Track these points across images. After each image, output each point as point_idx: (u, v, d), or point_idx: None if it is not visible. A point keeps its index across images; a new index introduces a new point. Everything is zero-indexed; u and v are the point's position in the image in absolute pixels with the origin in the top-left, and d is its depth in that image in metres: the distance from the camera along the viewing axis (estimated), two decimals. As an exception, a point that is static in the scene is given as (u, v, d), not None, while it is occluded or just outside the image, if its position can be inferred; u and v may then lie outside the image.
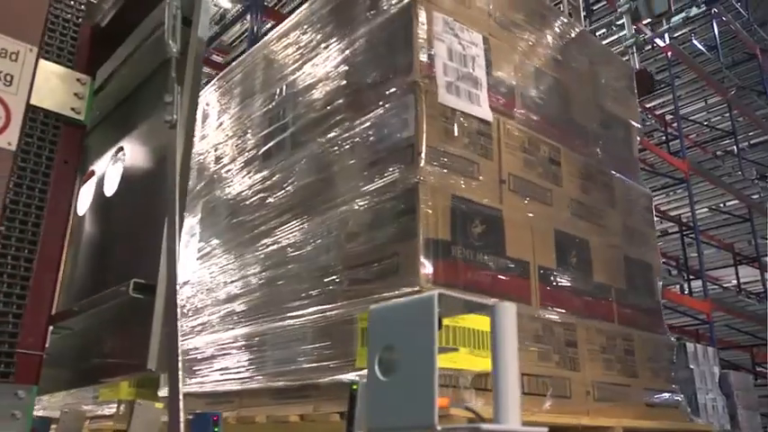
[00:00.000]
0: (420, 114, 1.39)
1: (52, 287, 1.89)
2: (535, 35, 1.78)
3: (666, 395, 1.69)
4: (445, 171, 1.40)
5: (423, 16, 1.48)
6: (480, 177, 1.46)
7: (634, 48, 5.95)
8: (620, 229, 1.80)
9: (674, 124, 9.72)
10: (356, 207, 1.45)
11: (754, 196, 10.54)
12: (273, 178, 1.75)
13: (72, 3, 2.02)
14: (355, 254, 1.42)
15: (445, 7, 1.53)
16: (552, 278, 1.53)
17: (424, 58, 1.45)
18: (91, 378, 2.04)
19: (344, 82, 1.63)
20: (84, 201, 2.04)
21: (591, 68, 1.98)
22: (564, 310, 1.53)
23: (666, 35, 9.39)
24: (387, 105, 1.46)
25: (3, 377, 1.74)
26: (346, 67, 1.62)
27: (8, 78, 1.81)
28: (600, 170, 1.82)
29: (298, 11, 1.88)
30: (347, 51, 1.63)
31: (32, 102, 1.76)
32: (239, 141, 1.95)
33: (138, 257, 1.70)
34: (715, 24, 10.12)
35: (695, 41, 10.17)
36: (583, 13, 4.41)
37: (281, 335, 1.54)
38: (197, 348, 1.87)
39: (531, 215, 1.55)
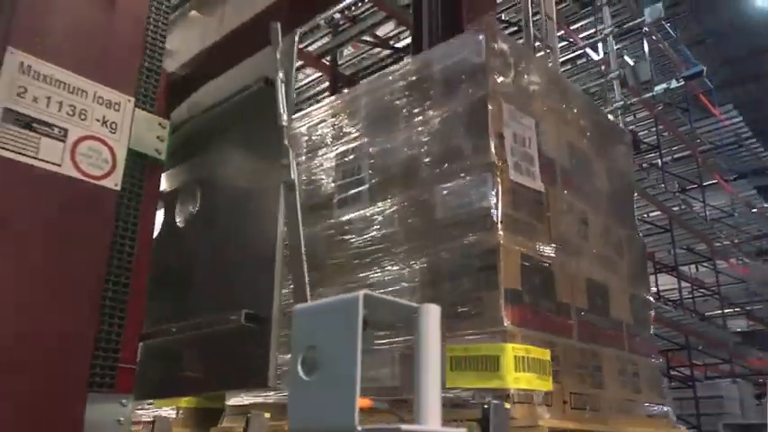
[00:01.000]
0: (497, 190, 1.77)
1: (142, 309, 2.22)
2: (569, 115, 2.20)
3: (661, 408, 2.15)
4: (515, 235, 1.79)
5: (496, 107, 1.87)
6: (538, 238, 1.86)
7: (619, 111, 6.72)
8: (627, 274, 2.24)
9: None
10: (440, 259, 1.82)
11: (675, 208, 10.87)
12: (351, 225, 2.09)
13: (156, 54, 2.33)
14: (440, 297, 1.79)
15: (512, 100, 1.92)
16: (585, 316, 1.95)
17: (496, 141, 1.83)
18: (188, 389, 2.34)
19: (424, 149, 1.99)
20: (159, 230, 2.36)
21: (602, 138, 2.41)
22: (594, 343, 1.95)
23: (601, 47, 10.06)
24: (467, 178, 1.83)
25: (109, 388, 2.03)
26: (425, 138, 1.98)
27: (113, 127, 2.14)
28: (612, 226, 2.26)
29: (368, 79, 2.23)
30: (426, 125, 1.99)
31: (130, 146, 2.09)
32: (309, 187, 2.28)
33: (244, 290, 2.03)
34: (645, 43, 10.84)
35: (627, 57, 10.82)
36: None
37: (375, 357, 1.89)
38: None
39: (570, 267, 1.96)
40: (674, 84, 8.32)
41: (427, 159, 1.96)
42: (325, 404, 0.94)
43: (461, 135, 1.90)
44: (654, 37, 11.28)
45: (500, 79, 1.91)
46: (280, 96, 1.98)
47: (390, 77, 2.18)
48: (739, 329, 14.33)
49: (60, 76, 2.12)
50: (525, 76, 2.01)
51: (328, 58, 8.10)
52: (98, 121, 2.19)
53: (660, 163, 11.34)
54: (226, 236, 2.16)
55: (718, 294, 12.49)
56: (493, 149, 1.82)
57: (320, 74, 8.87)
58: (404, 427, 0.88)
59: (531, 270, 1.79)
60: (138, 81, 2.32)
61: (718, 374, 12.85)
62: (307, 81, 9.50)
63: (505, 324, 1.66)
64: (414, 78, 2.09)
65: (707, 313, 14.14)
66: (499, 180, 1.79)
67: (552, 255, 1.89)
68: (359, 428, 0.88)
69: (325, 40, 8.33)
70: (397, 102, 2.11)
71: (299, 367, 0.98)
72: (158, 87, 2.43)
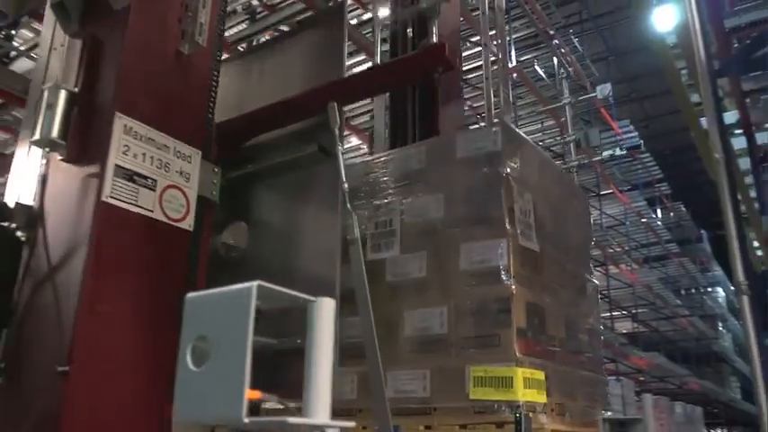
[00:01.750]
0: (510, 253, 2.39)
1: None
2: (549, 185, 2.85)
3: (604, 413, 2.86)
4: (522, 286, 2.41)
5: (508, 187, 2.48)
6: (536, 287, 2.50)
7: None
8: (589, 311, 2.93)
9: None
10: (464, 301, 2.42)
11: None
12: (384, 265, 2.65)
13: (211, 110, 2.84)
14: (466, 332, 2.39)
15: (518, 181, 2.54)
16: (563, 346, 2.61)
17: (509, 215, 2.45)
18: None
19: (450, 214, 2.58)
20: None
21: (569, 198, 3.09)
22: (568, 365, 2.61)
23: (513, 55, 10.78)
24: (487, 242, 2.44)
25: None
26: (450, 204, 2.57)
27: (187, 176, 2.64)
28: (578, 272, 2.94)
29: (400, 149, 2.80)
30: (450, 194, 2.58)
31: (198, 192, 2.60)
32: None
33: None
34: (554, 57, 11.56)
35: (537, 67, 11.61)
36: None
37: (403, 376, 2.46)
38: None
39: (555, 308, 2.61)
40: (618, 152, 9.49)
41: (452, 222, 2.55)
42: (214, 395, 0.93)
43: (481, 206, 2.50)
44: (563, 50, 12.16)
45: (511, 164, 2.53)
46: (341, 167, 2.51)
47: (415, 150, 2.76)
48: (625, 331, 15.74)
49: (151, 135, 2.58)
50: (525, 160, 2.64)
51: (244, 45, 8.38)
52: (177, 172, 2.68)
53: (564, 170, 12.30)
54: (286, 268, 2.67)
55: (608, 298, 13.57)
56: (507, 221, 2.43)
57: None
58: (290, 419, 0.89)
59: (532, 312, 2.43)
60: (202, 135, 2.81)
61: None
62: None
63: (517, 354, 2.28)
64: (438, 154, 2.68)
65: (597, 315, 15.44)
66: (511, 245, 2.40)
67: (545, 300, 2.54)
68: (246, 420, 0.88)
69: (243, 26, 8.55)
70: (424, 171, 2.69)
71: (188, 357, 0.97)
72: (211, 138, 2.94)
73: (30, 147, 2.78)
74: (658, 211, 17.58)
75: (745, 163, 6.45)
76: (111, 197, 2.36)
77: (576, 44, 13.66)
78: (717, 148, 3.20)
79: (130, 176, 2.44)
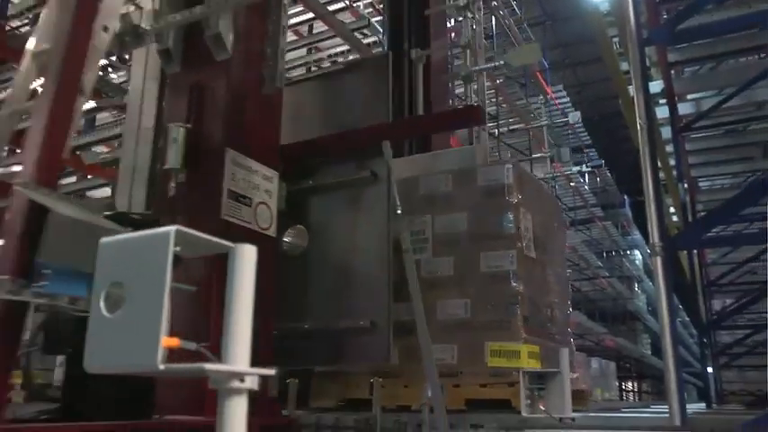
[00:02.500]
0: (518, 261, 3.29)
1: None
2: (540, 204, 3.77)
3: (573, 375, 3.85)
4: (527, 285, 3.33)
5: (518, 211, 3.37)
6: (535, 286, 3.43)
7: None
8: (563, 298, 3.92)
9: (450, 101, 10.56)
10: (483, 296, 3.32)
11: None
12: (419, 265, 3.52)
13: (279, 135, 3.61)
14: (484, 319, 3.30)
15: (524, 205, 3.44)
16: (548, 327, 3.57)
17: (517, 232, 3.35)
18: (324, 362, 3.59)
19: (465, 227, 3.45)
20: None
21: (552, 212, 4.03)
22: (551, 341, 3.58)
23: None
24: (500, 251, 3.33)
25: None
26: (472, 221, 3.44)
27: (270, 193, 3.43)
28: (558, 269, 3.90)
29: (428, 175, 3.64)
30: (473, 213, 3.45)
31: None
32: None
33: (366, 305, 3.36)
34: (493, 17, 11.94)
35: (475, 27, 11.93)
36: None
37: (437, 348, 3.36)
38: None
39: (545, 300, 3.56)
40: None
41: (473, 235, 3.43)
42: (128, 342, 0.91)
43: (495, 224, 3.39)
44: (501, 12, 12.61)
45: (518, 194, 3.42)
46: (395, 194, 3.33)
47: (444, 175, 3.61)
48: None
49: (248, 163, 3.35)
50: (527, 190, 3.54)
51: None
52: (264, 191, 3.45)
53: (497, 132, 12.59)
54: (343, 264, 3.49)
55: None
56: (515, 238, 3.33)
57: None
58: (207, 366, 0.88)
59: (532, 304, 3.36)
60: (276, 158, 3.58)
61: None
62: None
63: (523, 335, 3.21)
64: (463, 181, 3.55)
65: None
66: (518, 255, 3.31)
67: (539, 294, 3.48)
68: (161, 367, 0.86)
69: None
70: (451, 193, 3.55)
71: (102, 303, 0.94)
72: (279, 157, 3.71)
73: (135, 161, 3.49)
74: (586, 176, 18.41)
75: (666, 132, 6.60)
76: (226, 215, 3.12)
77: (516, 7, 13.99)
78: (641, 114, 3.34)
79: (236, 197, 3.20)
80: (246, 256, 1.00)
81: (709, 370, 7.41)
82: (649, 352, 19.73)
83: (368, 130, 3.47)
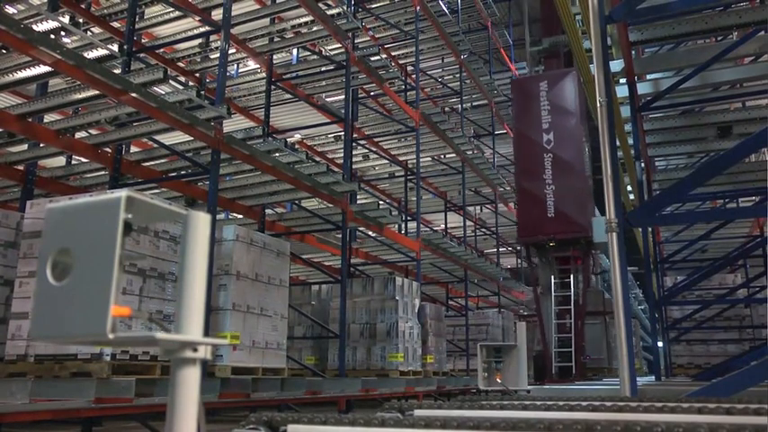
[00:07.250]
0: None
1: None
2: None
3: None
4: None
5: None
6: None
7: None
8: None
9: (413, 75, 10.78)
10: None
11: (469, 152, 12.06)
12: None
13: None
14: None
15: None
16: None
17: None
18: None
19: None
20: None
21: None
22: None
23: None
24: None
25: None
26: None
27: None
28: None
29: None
30: None
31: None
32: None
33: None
34: None
35: (440, 2, 11.50)
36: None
37: None
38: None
39: None
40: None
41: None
42: (77, 311, 0.88)
43: None
44: None
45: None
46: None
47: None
48: (510, 266, 16.88)
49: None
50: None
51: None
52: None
53: (461, 108, 12.42)
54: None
55: (497, 234, 13.88)
56: None
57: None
58: (159, 335, 0.87)
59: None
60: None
61: (488, 305, 14.51)
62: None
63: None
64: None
65: (485, 251, 16.12)
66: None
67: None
68: (111, 336, 0.84)
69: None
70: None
71: (48, 271, 0.92)
72: None
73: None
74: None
75: (626, 111, 6.47)
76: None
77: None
78: (601, 92, 3.28)
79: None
80: (200, 223, 0.95)
81: (660, 344, 7.57)
82: (603, 323, 19.85)
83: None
